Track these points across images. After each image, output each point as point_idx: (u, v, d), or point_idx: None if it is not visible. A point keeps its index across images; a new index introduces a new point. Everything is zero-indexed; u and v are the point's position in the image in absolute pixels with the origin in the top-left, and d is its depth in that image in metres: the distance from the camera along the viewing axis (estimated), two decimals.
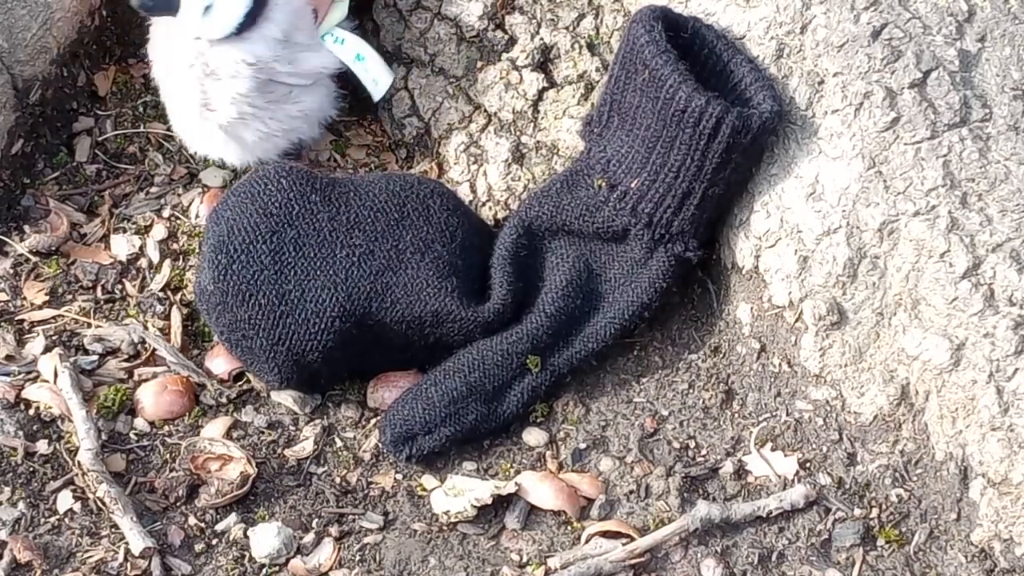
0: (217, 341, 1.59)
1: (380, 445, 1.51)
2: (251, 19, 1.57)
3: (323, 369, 1.51)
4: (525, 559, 1.43)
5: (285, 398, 1.55)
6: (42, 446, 1.49)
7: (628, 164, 1.51)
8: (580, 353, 1.55)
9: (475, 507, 1.44)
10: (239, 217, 1.51)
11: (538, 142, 1.70)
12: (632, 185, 1.50)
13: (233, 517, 1.46)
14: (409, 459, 1.50)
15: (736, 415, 1.53)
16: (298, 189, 1.52)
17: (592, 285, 1.57)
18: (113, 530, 1.44)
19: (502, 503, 1.46)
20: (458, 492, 1.46)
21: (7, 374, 1.55)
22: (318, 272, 1.49)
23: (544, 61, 1.70)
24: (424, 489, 1.49)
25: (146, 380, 1.56)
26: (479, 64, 1.72)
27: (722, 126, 1.44)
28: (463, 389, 1.51)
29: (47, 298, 1.63)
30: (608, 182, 1.52)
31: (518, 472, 1.49)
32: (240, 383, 1.56)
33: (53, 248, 1.67)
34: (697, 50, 1.51)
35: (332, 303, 1.48)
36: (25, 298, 1.63)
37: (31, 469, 1.47)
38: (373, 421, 1.54)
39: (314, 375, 1.52)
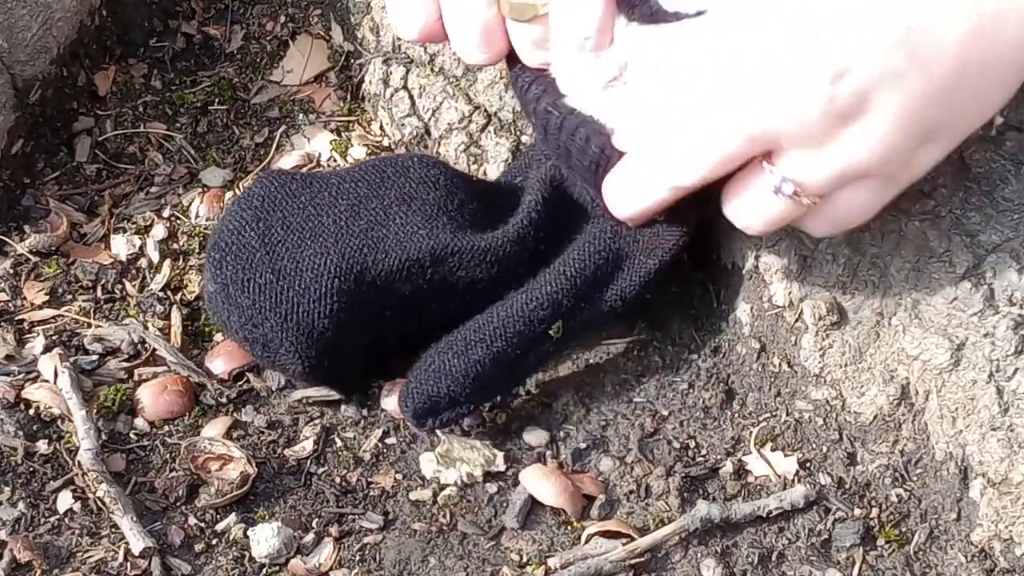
0: (220, 341, 1.59)
1: (401, 412, 1.49)
2: None
3: (341, 344, 1.49)
4: (525, 559, 1.43)
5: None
6: (42, 446, 1.49)
7: None
8: (595, 319, 1.52)
9: (466, 483, 1.46)
10: (227, 217, 1.52)
11: None
12: None
13: (233, 517, 1.46)
14: (431, 430, 1.50)
15: (736, 415, 1.53)
16: (278, 180, 1.53)
17: (612, 248, 1.53)
18: (113, 530, 1.44)
19: (502, 503, 1.46)
20: (451, 462, 1.47)
21: (7, 374, 1.55)
22: (308, 242, 1.49)
23: None
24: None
25: (146, 380, 1.56)
26: None
27: None
28: (487, 362, 1.47)
29: (47, 298, 1.63)
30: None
31: (518, 472, 1.49)
32: (240, 383, 1.56)
33: (53, 248, 1.67)
34: None
35: (326, 265, 1.47)
36: (25, 298, 1.63)
37: (31, 469, 1.47)
38: (378, 428, 1.54)
39: (336, 356, 1.50)
